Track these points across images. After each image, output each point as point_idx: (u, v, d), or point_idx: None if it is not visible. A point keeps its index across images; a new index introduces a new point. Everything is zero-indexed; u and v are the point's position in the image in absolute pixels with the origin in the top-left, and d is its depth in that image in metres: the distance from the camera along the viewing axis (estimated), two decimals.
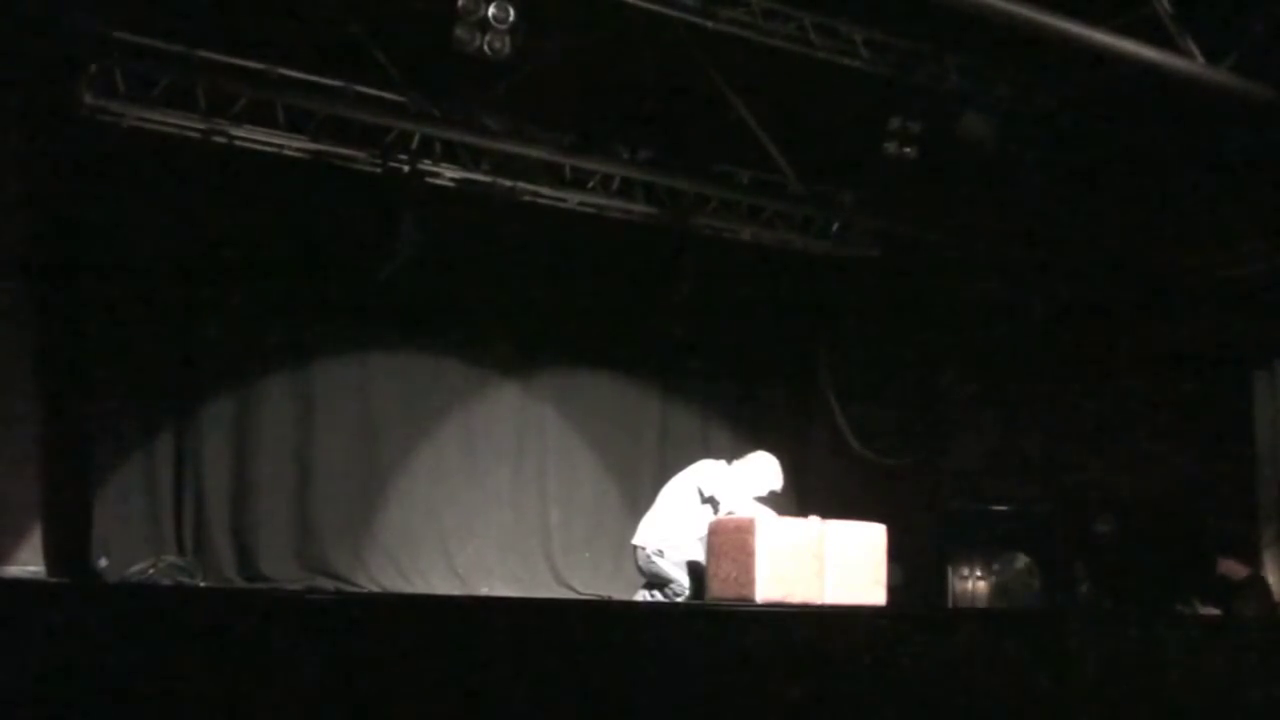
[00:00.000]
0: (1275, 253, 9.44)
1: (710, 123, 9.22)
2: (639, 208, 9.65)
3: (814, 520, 7.06)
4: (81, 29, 7.51)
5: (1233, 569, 8.83)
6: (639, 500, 9.06)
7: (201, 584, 8.11)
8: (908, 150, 8.99)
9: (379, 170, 8.64)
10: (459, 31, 7.54)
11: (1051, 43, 7.44)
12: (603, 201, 9.56)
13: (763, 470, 7.45)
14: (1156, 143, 9.00)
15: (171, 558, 8.22)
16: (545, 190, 9.35)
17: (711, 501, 7.25)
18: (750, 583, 6.54)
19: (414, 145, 8.72)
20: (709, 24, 7.87)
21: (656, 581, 7.33)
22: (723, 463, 7.54)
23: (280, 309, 8.85)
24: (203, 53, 7.97)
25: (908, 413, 10.89)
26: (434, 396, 9.47)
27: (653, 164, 9.45)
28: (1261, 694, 4.79)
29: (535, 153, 9.03)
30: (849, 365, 10.88)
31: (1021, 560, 9.69)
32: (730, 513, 7.10)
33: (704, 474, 7.41)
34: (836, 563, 6.81)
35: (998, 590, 9.66)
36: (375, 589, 8.79)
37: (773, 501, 7.49)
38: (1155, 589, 9.13)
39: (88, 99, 7.83)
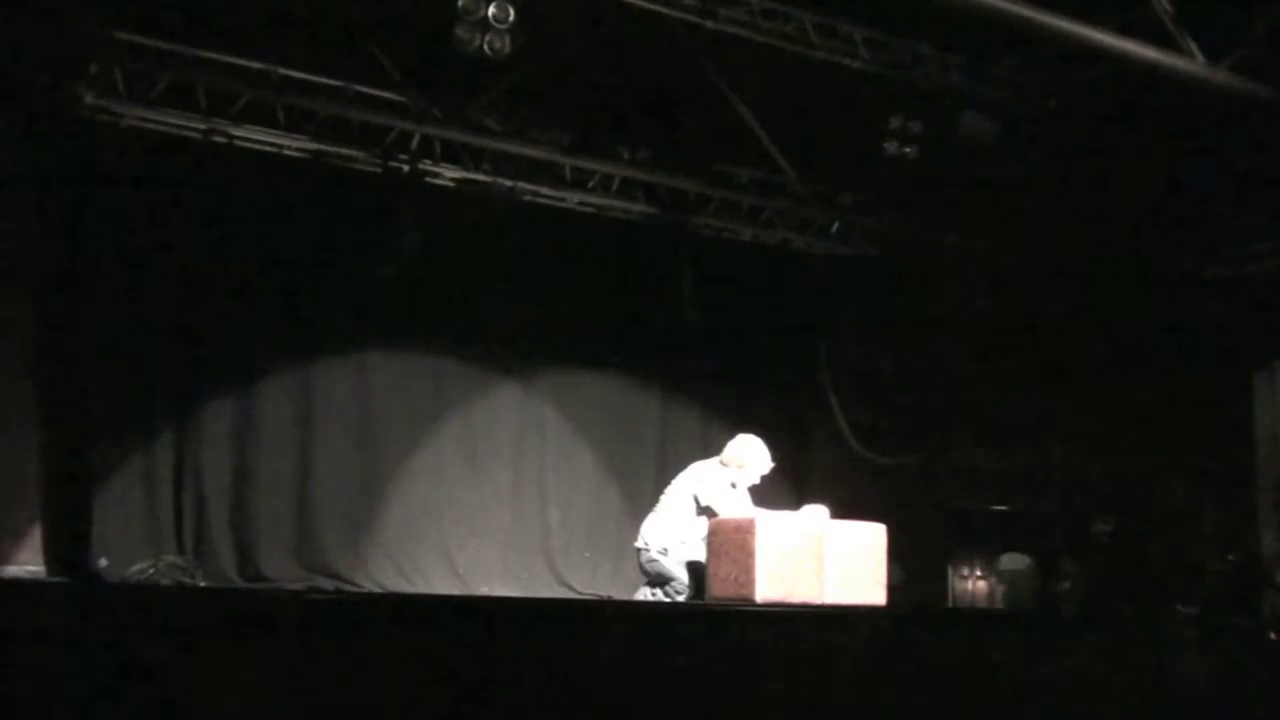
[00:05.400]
0: (1275, 253, 9.44)
1: (710, 123, 9.21)
2: (639, 208, 9.65)
3: (816, 510, 7.07)
4: (81, 29, 7.51)
5: None
6: (639, 500, 9.06)
7: (201, 584, 8.10)
8: (908, 150, 8.99)
9: (379, 170, 8.64)
10: (459, 31, 7.55)
11: (1051, 43, 7.44)
12: (603, 201, 9.55)
13: (752, 460, 7.47)
14: (1157, 143, 9.00)
15: (171, 558, 8.21)
16: (545, 190, 9.35)
17: (708, 511, 7.28)
18: (750, 583, 6.55)
19: (414, 145, 8.72)
20: (709, 24, 7.87)
21: (658, 581, 7.34)
22: (715, 460, 7.56)
23: (280, 309, 8.84)
24: (203, 53, 7.96)
25: (908, 413, 10.87)
26: (434, 396, 9.46)
27: (653, 164, 9.45)
28: (1261, 693, 4.79)
29: (535, 153, 9.03)
30: (849, 365, 10.87)
31: (1022, 560, 9.69)
32: None
33: (699, 482, 7.42)
34: (836, 562, 6.81)
35: (998, 590, 9.66)
36: (375, 589, 8.78)
37: (767, 486, 7.53)
38: (1155, 589, 9.13)
39: (88, 99, 7.82)
